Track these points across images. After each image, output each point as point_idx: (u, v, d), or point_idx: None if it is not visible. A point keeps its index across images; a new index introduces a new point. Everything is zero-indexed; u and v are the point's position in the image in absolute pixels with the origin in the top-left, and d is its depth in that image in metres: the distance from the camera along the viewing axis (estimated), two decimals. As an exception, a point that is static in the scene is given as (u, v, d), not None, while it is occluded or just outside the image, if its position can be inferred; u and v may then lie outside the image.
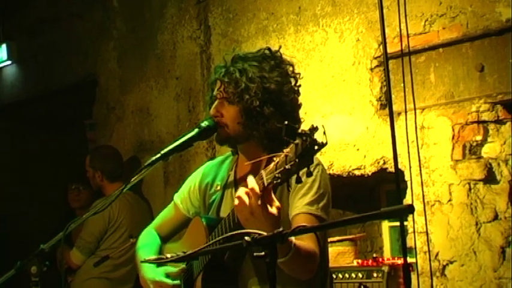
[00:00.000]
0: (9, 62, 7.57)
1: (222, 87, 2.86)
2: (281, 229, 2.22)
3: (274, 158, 2.35)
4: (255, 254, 2.20)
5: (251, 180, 2.43)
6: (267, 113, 2.79)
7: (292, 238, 2.45)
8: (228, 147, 3.06)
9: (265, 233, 2.21)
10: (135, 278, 3.19)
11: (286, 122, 2.33)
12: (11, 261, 2.91)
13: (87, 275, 5.41)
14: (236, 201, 2.46)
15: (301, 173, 2.26)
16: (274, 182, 2.34)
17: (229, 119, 2.85)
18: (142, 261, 2.96)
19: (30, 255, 2.85)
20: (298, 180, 2.28)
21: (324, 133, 2.19)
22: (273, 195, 2.44)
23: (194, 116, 5.56)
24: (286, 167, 2.27)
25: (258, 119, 2.80)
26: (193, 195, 3.10)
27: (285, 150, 2.28)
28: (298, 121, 2.88)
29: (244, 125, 2.83)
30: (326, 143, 2.20)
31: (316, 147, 2.20)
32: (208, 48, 5.56)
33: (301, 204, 2.70)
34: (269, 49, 2.96)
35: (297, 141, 2.22)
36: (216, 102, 2.88)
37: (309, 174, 2.28)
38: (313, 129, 2.20)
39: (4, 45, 7.51)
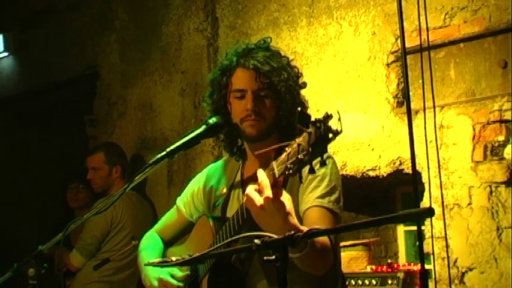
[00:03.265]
0: (5, 54, 7.60)
1: (257, 77, 2.86)
2: (292, 232, 2.24)
3: (286, 148, 2.32)
4: (265, 258, 2.21)
5: (261, 173, 2.42)
6: (290, 104, 2.84)
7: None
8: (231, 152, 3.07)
9: (275, 236, 2.22)
10: (137, 282, 3.21)
11: (299, 109, 2.35)
12: (8, 263, 2.93)
13: (87, 278, 5.43)
14: (245, 198, 2.47)
15: (314, 162, 2.24)
16: (286, 172, 2.31)
17: (267, 110, 2.86)
18: (146, 264, 3.00)
19: (28, 257, 2.87)
20: (312, 171, 2.26)
21: (339, 119, 2.15)
22: (282, 189, 2.44)
23: (200, 112, 5.55)
24: (299, 156, 2.24)
25: (289, 112, 2.84)
26: (197, 198, 3.13)
27: (297, 139, 2.25)
28: (308, 114, 2.91)
29: (276, 117, 2.87)
30: (341, 131, 2.17)
31: (330, 136, 2.16)
32: (215, 41, 5.57)
33: (313, 197, 2.72)
34: (265, 40, 3.00)
35: (310, 129, 2.20)
36: (250, 94, 2.86)
37: (323, 163, 2.26)
38: (328, 116, 2.17)
39: (1, 36, 7.54)
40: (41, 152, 7.51)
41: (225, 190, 3.00)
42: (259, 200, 2.39)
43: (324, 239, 2.60)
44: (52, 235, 2.96)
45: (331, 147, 2.33)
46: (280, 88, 2.84)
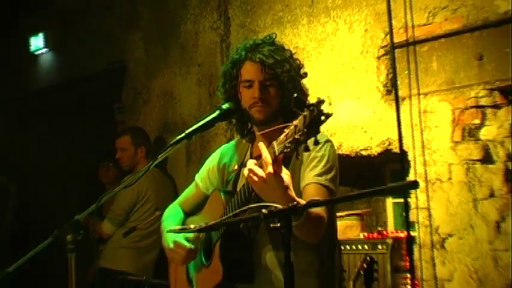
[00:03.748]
0: (45, 50, 7.62)
1: (263, 69, 2.86)
2: (295, 203, 2.25)
3: (285, 130, 2.35)
4: (271, 225, 2.23)
5: (264, 150, 2.44)
6: (292, 92, 2.78)
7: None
8: (241, 132, 3.07)
9: (280, 206, 2.24)
10: (159, 247, 3.22)
11: (295, 95, 2.35)
12: (49, 231, 2.93)
13: (117, 244, 5.46)
14: (245, 171, 2.48)
15: (309, 142, 2.27)
16: (285, 150, 2.35)
17: (272, 98, 2.85)
18: (168, 231, 3.01)
19: (66, 224, 2.88)
20: (306, 149, 2.29)
21: (330, 103, 2.21)
22: (282, 165, 2.45)
23: (214, 99, 5.56)
24: (296, 136, 2.28)
25: (291, 98, 2.81)
26: (212, 174, 3.13)
27: (294, 122, 2.30)
28: (306, 99, 2.90)
29: (281, 104, 2.85)
30: (331, 114, 2.22)
31: (322, 118, 2.21)
32: (227, 38, 5.57)
33: (311, 175, 2.73)
34: (271, 36, 2.99)
35: (305, 112, 2.24)
36: (257, 84, 2.86)
37: (316, 142, 2.27)
38: (320, 101, 2.22)
39: (41, 34, 7.56)
40: (77, 135, 7.53)
41: (236, 167, 3.01)
42: (261, 174, 2.41)
43: (318, 211, 2.62)
44: (87, 206, 2.97)
45: (329, 130, 2.34)
46: (283, 78, 2.84)
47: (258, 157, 2.56)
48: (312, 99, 2.93)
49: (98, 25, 6.91)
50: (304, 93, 2.91)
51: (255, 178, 2.43)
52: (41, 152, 7.65)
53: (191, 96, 5.88)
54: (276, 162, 2.41)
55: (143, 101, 6.40)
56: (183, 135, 2.86)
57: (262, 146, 2.44)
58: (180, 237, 2.93)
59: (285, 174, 2.44)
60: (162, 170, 5.74)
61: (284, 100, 2.85)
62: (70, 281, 2.88)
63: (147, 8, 6.39)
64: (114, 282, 5.08)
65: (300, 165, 2.77)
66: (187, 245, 2.91)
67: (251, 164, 2.45)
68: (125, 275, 4.91)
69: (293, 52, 3.00)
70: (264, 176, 2.40)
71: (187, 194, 3.26)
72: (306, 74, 2.98)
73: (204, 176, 3.15)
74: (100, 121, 7.13)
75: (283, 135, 2.35)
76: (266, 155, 2.41)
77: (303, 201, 2.41)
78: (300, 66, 2.96)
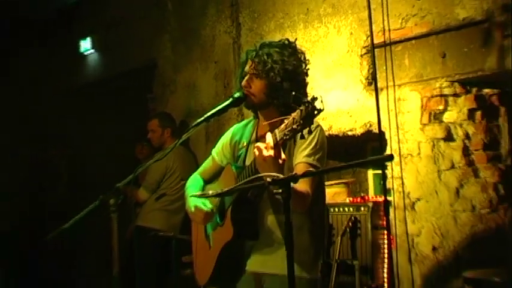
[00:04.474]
0: (92, 51, 7.62)
1: (252, 65, 2.84)
2: (294, 173, 2.28)
3: (285, 120, 2.37)
4: (274, 191, 2.25)
5: (268, 136, 2.46)
6: (285, 87, 2.77)
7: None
8: (252, 113, 3.06)
9: (281, 176, 2.27)
10: (185, 210, 3.24)
11: (293, 93, 2.36)
12: (95, 197, 2.95)
13: (150, 207, 5.49)
14: (256, 152, 2.49)
15: (304, 131, 2.30)
16: (284, 138, 2.38)
17: (257, 90, 2.83)
18: (191, 196, 3.02)
19: (109, 191, 2.89)
20: (302, 137, 2.34)
21: (322, 101, 2.24)
22: (281, 150, 2.47)
23: (228, 90, 5.56)
24: (293, 127, 2.31)
25: (278, 92, 2.79)
26: (226, 149, 3.10)
27: (292, 114, 2.32)
28: (306, 94, 2.85)
29: (267, 95, 2.82)
30: (323, 109, 2.25)
31: (315, 112, 2.24)
32: (238, 40, 5.55)
33: (302, 155, 2.71)
34: (288, 40, 2.93)
35: (301, 107, 2.27)
36: (247, 77, 2.86)
37: (310, 132, 2.31)
38: (314, 99, 2.25)
39: (89, 38, 7.55)
40: (117, 120, 7.55)
41: (244, 144, 2.99)
42: (265, 154, 2.43)
43: (303, 187, 2.62)
44: (125, 177, 2.98)
45: (321, 114, 2.35)
46: (270, 74, 2.78)
47: (262, 137, 2.58)
48: (308, 90, 2.96)
49: (134, 30, 6.90)
50: (302, 90, 2.84)
51: (259, 156, 2.46)
52: (88, 134, 7.69)
53: (209, 88, 5.88)
54: (277, 146, 2.44)
55: (170, 91, 6.40)
56: (202, 118, 2.87)
57: (268, 135, 2.46)
58: (200, 202, 2.93)
59: (281, 159, 2.46)
60: (186, 147, 5.74)
61: (272, 94, 2.81)
62: (113, 236, 2.91)
63: (174, 15, 6.37)
64: (147, 237, 5.12)
65: (293, 147, 2.76)
66: (205, 208, 2.91)
67: (260, 145, 2.46)
68: (156, 232, 4.94)
69: (299, 53, 2.90)
70: (266, 157, 2.43)
71: (206, 165, 3.24)
72: (304, 73, 2.89)
73: (219, 150, 3.13)
74: (135, 108, 7.15)
75: (283, 125, 2.38)
76: (269, 141, 2.44)
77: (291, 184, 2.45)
78: (299, 66, 2.86)
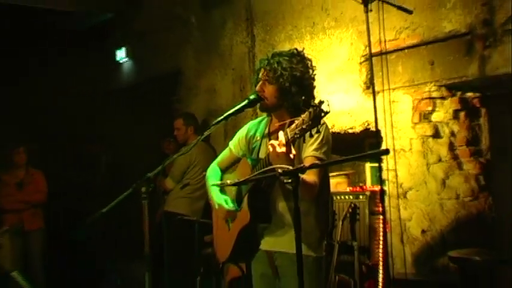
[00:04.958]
0: (126, 59, 7.65)
1: (264, 72, 2.83)
2: (302, 164, 2.29)
3: (295, 121, 2.38)
4: (285, 181, 2.27)
5: (281, 135, 2.46)
6: (294, 91, 2.77)
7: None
8: (264, 113, 3.05)
9: (291, 167, 2.28)
10: (206, 197, 3.23)
11: (303, 97, 2.37)
12: (128, 186, 2.95)
13: (176, 194, 5.50)
14: (270, 148, 2.49)
15: (312, 130, 2.31)
16: (295, 136, 2.38)
17: (269, 94, 2.83)
18: (212, 185, 3.03)
19: (141, 180, 2.90)
20: (311, 135, 2.34)
21: (328, 105, 2.25)
22: (292, 147, 2.47)
23: (244, 93, 5.57)
24: (303, 126, 2.31)
25: (287, 95, 2.78)
26: (242, 143, 3.09)
27: (302, 116, 2.33)
28: (313, 97, 2.84)
29: (278, 99, 2.81)
30: (329, 111, 2.26)
31: (322, 114, 2.25)
32: (253, 49, 5.56)
33: (310, 150, 2.71)
34: (296, 49, 2.91)
35: (310, 109, 2.27)
36: (260, 82, 2.86)
37: (318, 131, 2.32)
38: (321, 102, 2.25)
39: (123, 48, 7.59)
40: (148, 118, 7.56)
41: (258, 138, 2.98)
42: (278, 151, 2.44)
43: (311, 178, 2.63)
44: (155, 168, 2.99)
45: (330, 116, 2.37)
46: (280, 80, 2.78)
47: (274, 132, 2.58)
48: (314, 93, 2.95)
49: (161, 41, 6.92)
50: (309, 94, 2.82)
51: (273, 152, 2.47)
52: (124, 131, 7.73)
53: (227, 91, 5.89)
54: (288, 144, 2.44)
55: (193, 94, 6.42)
56: (221, 117, 2.87)
57: (281, 133, 2.46)
58: (223, 201, 2.92)
59: (292, 154, 2.47)
60: (207, 142, 5.73)
61: (282, 97, 2.80)
62: (144, 220, 2.93)
63: (196, 28, 6.38)
64: (174, 221, 5.14)
65: (302, 143, 2.73)
66: (227, 207, 2.91)
67: (274, 143, 2.47)
68: (181, 216, 4.96)
69: (307, 61, 2.87)
70: (279, 153, 2.44)
71: (223, 156, 3.22)
72: (312, 79, 2.86)
73: (236, 143, 3.12)
74: (163, 109, 7.17)
75: (294, 125, 2.38)
76: (281, 139, 2.45)
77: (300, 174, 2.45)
78: (306, 73, 2.83)
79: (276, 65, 2.80)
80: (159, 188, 5.42)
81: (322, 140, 2.72)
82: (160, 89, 7.26)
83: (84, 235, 6.89)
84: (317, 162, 2.67)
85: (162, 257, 4.99)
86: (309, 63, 2.88)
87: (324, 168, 2.80)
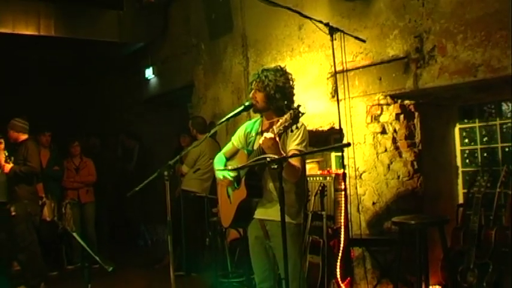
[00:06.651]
0: (153, 76, 7.59)
1: (256, 83, 2.80)
2: (284, 155, 2.27)
3: (280, 120, 2.37)
4: (272, 166, 2.26)
5: (269, 131, 2.45)
6: (278, 97, 2.75)
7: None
8: (256, 114, 3.01)
9: (276, 156, 2.27)
10: (213, 178, 3.21)
11: (285, 102, 2.36)
12: (153, 171, 2.92)
13: (190, 177, 5.42)
14: (261, 141, 2.48)
15: (293, 127, 2.30)
16: (280, 131, 2.38)
17: (259, 99, 2.80)
18: (217, 169, 3.00)
19: (164, 166, 2.87)
20: (292, 131, 2.35)
21: (304, 107, 2.27)
22: (278, 139, 2.45)
23: (240, 101, 5.54)
24: (285, 124, 2.31)
25: (273, 100, 2.77)
26: (241, 138, 3.05)
27: (285, 116, 2.32)
28: (293, 102, 2.82)
29: (266, 103, 2.79)
30: (305, 113, 2.26)
31: (300, 114, 2.26)
32: (247, 68, 5.53)
33: (293, 144, 2.69)
34: (280, 66, 2.89)
35: (291, 111, 2.27)
36: (252, 91, 2.82)
37: (297, 127, 2.32)
38: (299, 105, 2.27)
39: (151, 68, 7.54)
40: (169, 120, 7.55)
41: (253, 135, 2.96)
42: (268, 143, 2.43)
43: (295, 163, 2.62)
44: (174, 157, 2.97)
45: (305, 118, 2.36)
46: (268, 89, 2.75)
47: (265, 130, 2.57)
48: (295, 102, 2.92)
49: (180, 62, 6.88)
50: (290, 99, 2.80)
51: (264, 144, 2.45)
52: (152, 129, 7.72)
53: (228, 100, 5.86)
54: (275, 138, 2.43)
55: (203, 102, 6.38)
56: (224, 119, 2.86)
57: (270, 132, 2.43)
58: (227, 173, 2.90)
59: (279, 145, 2.46)
60: (213, 138, 5.70)
61: (269, 102, 2.77)
62: (166, 195, 2.90)
63: (205, 53, 6.35)
64: (189, 197, 5.13)
65: (286, 139, 2.73)
66: (229, 177, 2.89)
67: (266, 135, 2.45)
68: (194, 193, 4.95)
69: (288, 75, 2.84)
70: (268, 144, 2.43)
71: (227, 148, 3.16)
72: (291, 87, 2.84)
73: (237, 138, 3.07)
74: (180, 113, 7.14)
75: (279, 123, 2.37)
76: (271, 133, 2.43)
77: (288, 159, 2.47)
78: (287, 83, 2.80)
79: (264, 78, 2.78)
80: (177, 172, 5.40)
81: (302, 136, 2.70)
82: (178, 98, 7.24)
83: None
84: (296, 153, 2.65)
85: (180, 223, 4.97)
86: (290, 76, 2.87)
87: (303, 157, 2.79)
